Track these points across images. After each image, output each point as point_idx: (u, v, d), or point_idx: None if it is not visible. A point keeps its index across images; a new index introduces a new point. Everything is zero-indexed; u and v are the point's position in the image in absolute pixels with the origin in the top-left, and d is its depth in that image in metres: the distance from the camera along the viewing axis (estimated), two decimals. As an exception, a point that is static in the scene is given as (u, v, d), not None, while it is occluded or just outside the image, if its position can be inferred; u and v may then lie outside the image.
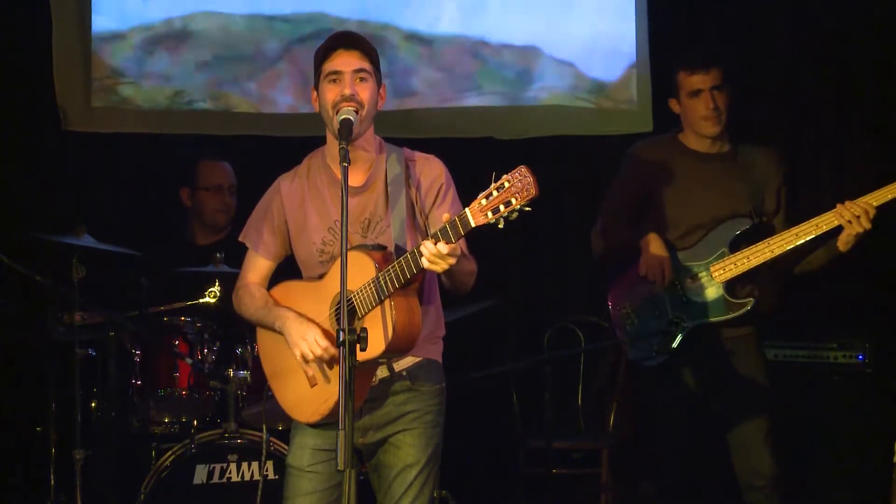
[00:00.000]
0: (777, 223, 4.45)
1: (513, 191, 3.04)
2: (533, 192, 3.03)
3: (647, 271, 4.44)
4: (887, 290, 5.56)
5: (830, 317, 5.56)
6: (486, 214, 3.08)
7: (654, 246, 4.44)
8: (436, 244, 3.16)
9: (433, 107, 5.82)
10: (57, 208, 5.61)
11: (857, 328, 5.29)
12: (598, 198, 5.94)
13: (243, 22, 5.76)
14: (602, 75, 5.89)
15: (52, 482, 4.87)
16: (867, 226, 4.16)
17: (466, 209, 3.11)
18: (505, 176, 3.07)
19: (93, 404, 4.87)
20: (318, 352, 3.41)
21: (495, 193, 3.07)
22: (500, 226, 3.08)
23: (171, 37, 5.73)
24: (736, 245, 4.40)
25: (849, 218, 4.17)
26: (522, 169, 3.05)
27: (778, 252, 4.31)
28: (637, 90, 5.84)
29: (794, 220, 4.38)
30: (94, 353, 4.82)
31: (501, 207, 3.06)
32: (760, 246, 4.34)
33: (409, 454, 3.50)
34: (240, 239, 3.73)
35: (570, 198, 5.91)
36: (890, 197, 4.16)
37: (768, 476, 4.40)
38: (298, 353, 3.45)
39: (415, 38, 5.69)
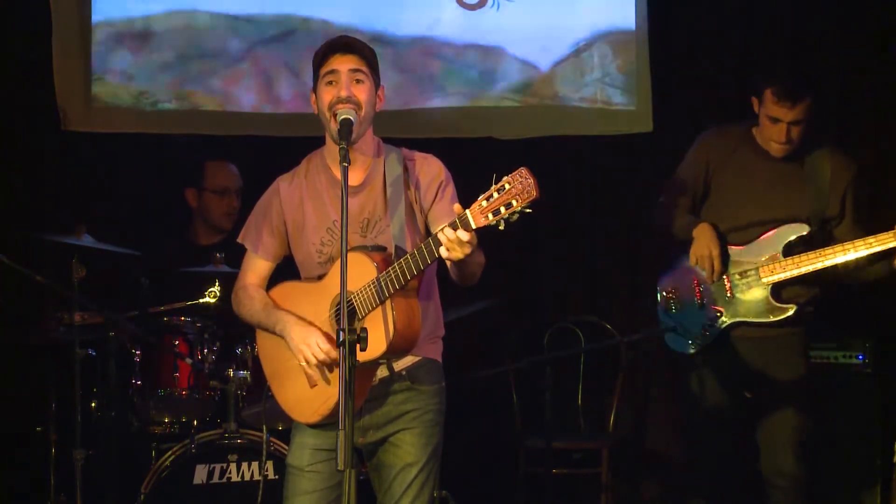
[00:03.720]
0: (842, 230, 4.42)
1: (513, 192, 3.02)
2: (534, 193, 3.00)
3: (697, 261, 4.45)
4: (887, 290, 5.56)
5: (830, 317, 5.56)
6: (487, 216, 3.06)
7: (706, 237, 4.44)
8: (455, 231, 3.12)
9: (432, 107, 5.82)
10: (57, 208, 5.62)
11: (857, 328, 5.29)
12: (598, 198, 5.98)
13: (207, 20, 5.75)
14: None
15: (52, 482, 4.88)
16: None
17: (467, 210, 3.10)
18: (506, 178, 3.04)
19: (93, 404, 4.87)
20: (321, 356, 3.41)
21: (496, 195, 3.05)
22: (501, 227, 3.07)
23: (134, 36, 5.72)
24: (790, 249, 4.40)
25: None
26: (523, 171, 3.04)
27: (828, 263, 4.31)
28: (637, 90, 5.84)
29: (861, 228, 4.36)
30: (94, 353, 4.81)
31: (502, 209, 3.04)
32: (812, 255, 4.34)
33: (408, 453, 3.50)
34: (238, 240, 3.73)
35: (570, 198, 5.91)
36: None
37: (789, 476, 4.42)
38: (301, 357, 3.45)
39: (379, 40, 5.67)
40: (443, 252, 3.16)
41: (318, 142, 3.65)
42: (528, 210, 3.03)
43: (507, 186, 3.04)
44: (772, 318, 4.41)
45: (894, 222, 4.24)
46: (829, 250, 4.32)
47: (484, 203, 3.07)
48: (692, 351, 4.50)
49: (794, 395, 4.46)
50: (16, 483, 5.36)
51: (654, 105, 5.79)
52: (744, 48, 5.86)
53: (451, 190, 3.53)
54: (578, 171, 5.93)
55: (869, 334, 5.24)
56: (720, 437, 4.51)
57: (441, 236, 3.15)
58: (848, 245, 4.29)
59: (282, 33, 5.76)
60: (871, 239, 4.26)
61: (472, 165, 5.40)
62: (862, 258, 4.28)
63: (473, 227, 3.09)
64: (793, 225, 4.42)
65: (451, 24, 5.81)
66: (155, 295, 4.91)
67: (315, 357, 3.42)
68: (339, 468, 3.05)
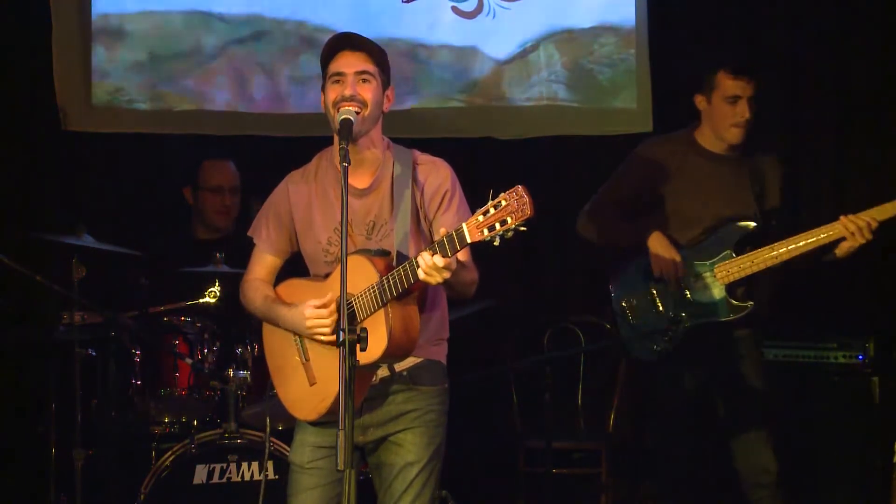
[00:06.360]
0: (780, 224, 4.48)
1: (509, 210, 3.06)
2: (528, 212, 3.04)
3: (661, 271, 4.46)
4: (887, 291, 5.57)
5: (830, 317, 5.56)
6: (482, 231, 3.10)
7: (664, 246, 4.46)
8: (432, 256, 3.17)
9: (433, 107, 5.82)
10: (57, 208, 5.62)
11: (857, 328, 5.29)
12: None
13: (181, 18, 5.75)
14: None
15: (52, 482, 4.87)
16: (868, 237, 4.25)
17: (464, 224, 3.13)
18: (502, 194, 3.09)
19: (93, 404, 4.87)
20: (327, 327, 3.40)
21: (492, 211, 3.09)
22: (496, 243, 3.10)
23: (108, 33, 5.72)
24: (741, 247, 4.43)
25: (852, 230, 4.25)
26: (519, 189, 3.07)
27: (781, 259, 4.36)
28: (637, 90, 5.84)
29: (791, 226, 4.43)
30: (94, 353, 4.82)
31: (497, 226, 3.08)
32: (765, 251, 4.38)
33: (410, 452, 3.51)
34: (248, 233, 3.75)
35: (570, 198, 5.90)
36: (894, 213, 4.25)
37: (775, 473, 4.44)
38: (322, 338, 3.44)
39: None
40: (421, 275, 3.20)
41: (327, 141, 3.65)
42: (522, 228, 3.07)
43: (503, 203, 3.08)
44: (733, 317, 4.42)
45: (819, 220, 4.34)
46: (781, 245, 4.36)
47: (480, 218, 3.11)
48: (655, 357, 4.49)
49: (760, 395, 4.49)
50: (16, 483, 5.36)
51: (653, 105, 5.78)
52: (745, 47, 5.86)
53: (457, 199, 3.53)
54: (578, 171, 5.93)
55: (869, 334, 5.24)
56: (687, 442, 4.53)
57: (420, 260, 3.18)
58: (800, 238, 4.34)
59: (256, 33, 5.77)
60: (820, 230, 4.33)
61: (472, 165, 5.43)
62: (812, 250, 4.34)
63: (469, 240, 3.12)
64: (741, 222, 4.46)
65: (447, 30, 5.82)
66: (155, 295, 4.91)
67: (324, 330, 3.41)
68: (338, 468, 3.06)
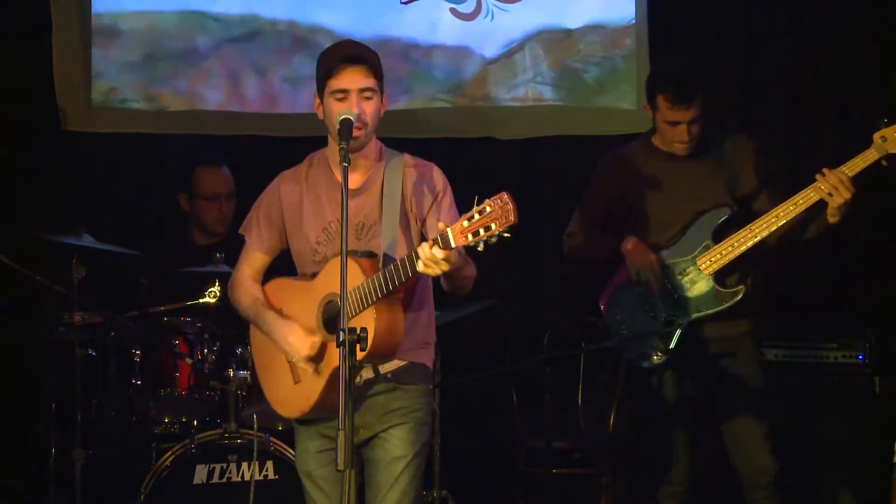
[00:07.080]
0: (761, 203, 4.40)
1: (493, 216, 3.08)
2: (512, 219, 3.06)
3: (638, 276, 4.44)
4: (887, 290, 5.57)
5: (830, 317, 5.56)
6: (467, 236, 3.13)
7: (639, 248, 4.43)
8: (431, 248, 3.18)
9: (419, 107, 5.82)
10: (57, 208, 5.62)
11: (857, 328, 5.29)
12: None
13: (174, 18, 5.76)
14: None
15: (52, 482, 4.88)
16: (847, 195, 4.15)
17: (448, 229, 3.16)
18: (487, 200, 3.11)
19: (93, 404, 4.87)
20: (304, 352, 3.48)
21: (477, 216, 3.11)
22: (480, 248, 3.12)
23: (102, 33, 5.72)
24: (719, 235, 4.40)
25: (829, 190, 4.17)
26: (504, 195, 3.09)
27: (762, 236, 4.30)
28: (637, 90, 5.84)
29: (781, 198, 4.34)
30: (94, 353, 4.82)
31: (481, 231, 3.10)
32: (743, 232, 4.33)
33: (396, 447, 3.53)
34: (239, 231, 3.77)
35: (570, 198, 5.90)
36: (863, 166, 4.17)
37: (773, 473, 4.42)
38: (290, 357, 3.53)
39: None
40: (419, 267, 3.21)
41: (321, 142, 3.66)
42: (506, 234, 3.09)
43: (487, 209, 3.10)
44: (725, 305, 4.38)
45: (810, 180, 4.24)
46: (758, 223, 4.30)
47: (465, 223, 3.13)
48: (656, 363, 4.44)
49: (760, 393, 4.47)
50: (16, 483, 5.36)
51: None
52: (744, 45, 5.86)
53: (447, 201, 3.55)
54: (578, 170, 5.92)
55: (869, 334, 5.24)
56: (684, 443, 4.51)
57: (420, 251, 3.20)
58: (776, 211, 4.28)
59: (249, 33, 5.77)
60: (794, 198, 4.25)
61: (472, 165, 5.42)
62: (792, 221, 4.27)
63: (453, 245, 3.15)
64: (714, 211, 4.41)
65: (445, 31, 5.82)
66: (155, 295, 4.92)
67: (300, 354, 3.48)
68: (338, 468, 3.08)
